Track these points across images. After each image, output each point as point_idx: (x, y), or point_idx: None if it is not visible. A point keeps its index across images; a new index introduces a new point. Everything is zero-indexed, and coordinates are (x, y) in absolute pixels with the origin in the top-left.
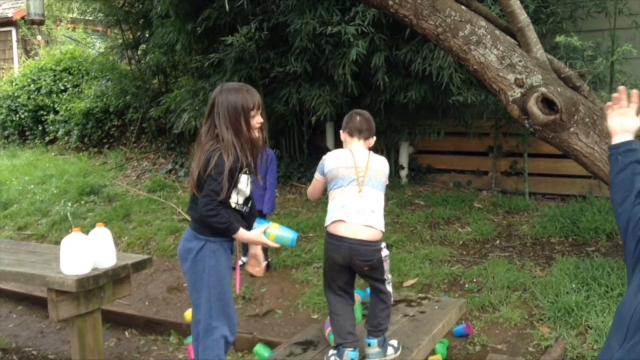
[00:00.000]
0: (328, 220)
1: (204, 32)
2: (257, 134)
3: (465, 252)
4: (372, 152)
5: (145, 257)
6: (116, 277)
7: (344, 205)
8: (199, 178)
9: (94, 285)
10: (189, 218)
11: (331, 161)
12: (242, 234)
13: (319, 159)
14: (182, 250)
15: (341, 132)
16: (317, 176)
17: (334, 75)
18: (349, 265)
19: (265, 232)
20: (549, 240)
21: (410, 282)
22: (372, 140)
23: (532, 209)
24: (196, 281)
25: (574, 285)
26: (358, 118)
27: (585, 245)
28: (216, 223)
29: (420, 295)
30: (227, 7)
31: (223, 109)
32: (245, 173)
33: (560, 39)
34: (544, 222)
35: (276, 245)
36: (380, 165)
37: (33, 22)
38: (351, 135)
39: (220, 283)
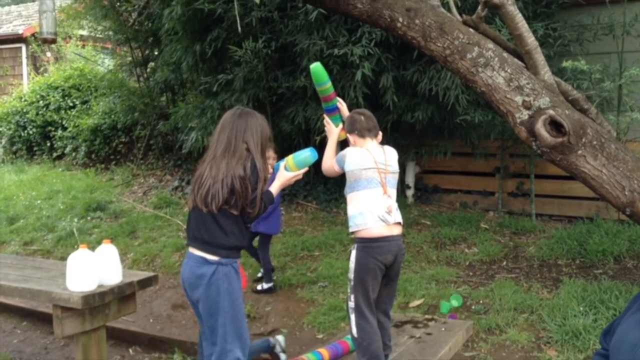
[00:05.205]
0: (361, 225)
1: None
2: None
3: (471, 273)
4: (384, 147)
5: (151, 274)
6: (121, 294)
7: (375, 208)
8: (231, 191)
9: (99, 302)
10: None
11: (352, 162)
12: (276, 188)
13: (324, 177)
14: (192, 277)
15: (348, 135)
16: (336, 166)
17: (344, 97)
18: (392, 264)
19: (286, 169)
20: (556, 262)
21: (416, 302)
22: (380, 136)
23: (539, 230)
24: (211, 306)
25: (581, 308)
26: (362, 118)
27: (592, 268)
28: (265, 209)
29: (427, 316)
30: (240, 28)
31: (256, 131)
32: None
33: (566, 63)
34: (551, 244)
35: (304, 170)
36: (396, 165)
37: (45, 41)
38: (362, 136)
39: (233, 305)
